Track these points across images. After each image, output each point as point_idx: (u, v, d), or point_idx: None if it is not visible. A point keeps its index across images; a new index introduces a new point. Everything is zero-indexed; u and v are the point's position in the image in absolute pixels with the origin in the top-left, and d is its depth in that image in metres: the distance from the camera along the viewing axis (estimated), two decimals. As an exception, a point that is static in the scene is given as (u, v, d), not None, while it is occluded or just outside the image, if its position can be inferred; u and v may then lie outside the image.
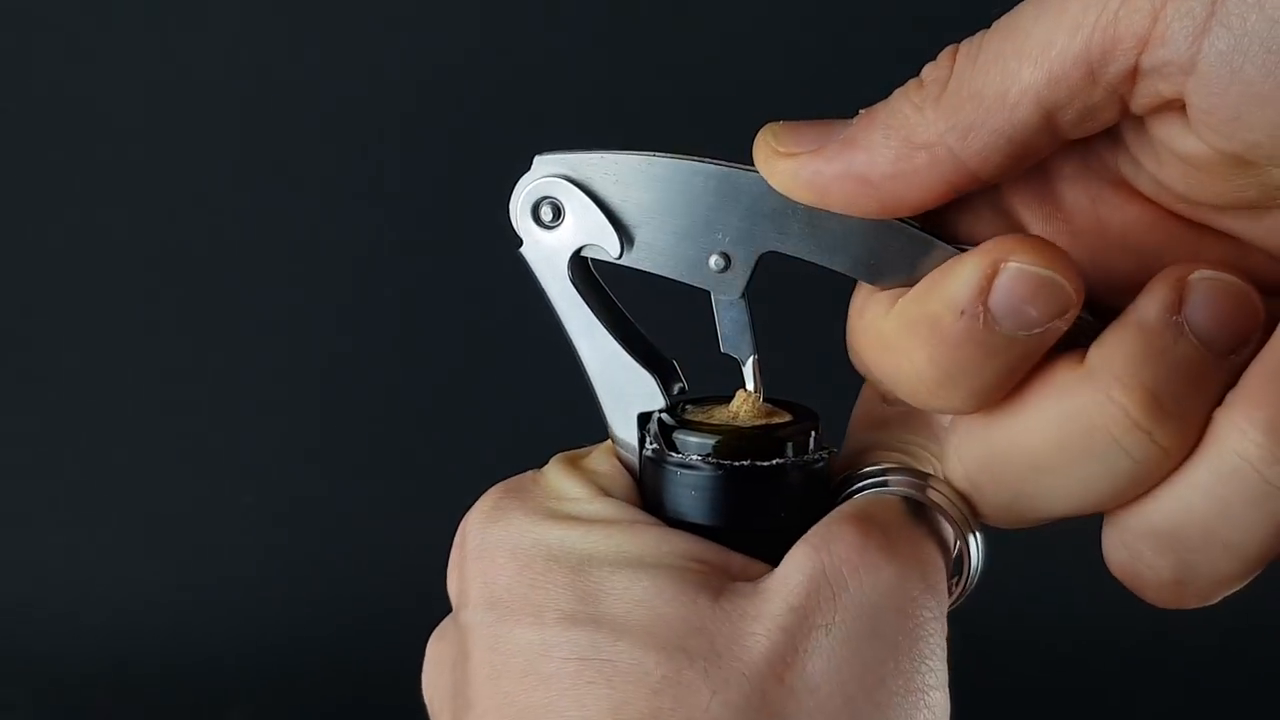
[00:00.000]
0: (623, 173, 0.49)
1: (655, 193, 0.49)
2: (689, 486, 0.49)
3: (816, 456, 0.49)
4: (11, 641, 1.27)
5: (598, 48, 1.27)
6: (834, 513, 0.48)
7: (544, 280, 0.50)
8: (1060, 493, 0.45)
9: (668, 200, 0.49)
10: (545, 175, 0.49)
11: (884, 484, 0.49)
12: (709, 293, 0.49)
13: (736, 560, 0.48)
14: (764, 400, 0.50)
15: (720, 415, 0.50)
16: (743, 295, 0.49)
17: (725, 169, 0.48)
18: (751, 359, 0.50)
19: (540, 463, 0.51)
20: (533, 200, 0.50)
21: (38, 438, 1.31)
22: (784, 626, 0.46)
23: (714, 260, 0.49)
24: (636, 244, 0.49)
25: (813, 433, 0.49)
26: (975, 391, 0.45)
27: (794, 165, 0.46)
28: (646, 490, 0.50)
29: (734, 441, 0.49)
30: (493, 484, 0.50)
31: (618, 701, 0.45)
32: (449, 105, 1.28)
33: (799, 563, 0.47)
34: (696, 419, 0.50)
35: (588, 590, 0.47)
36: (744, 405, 0.50)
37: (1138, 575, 0.46)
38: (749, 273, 0.49)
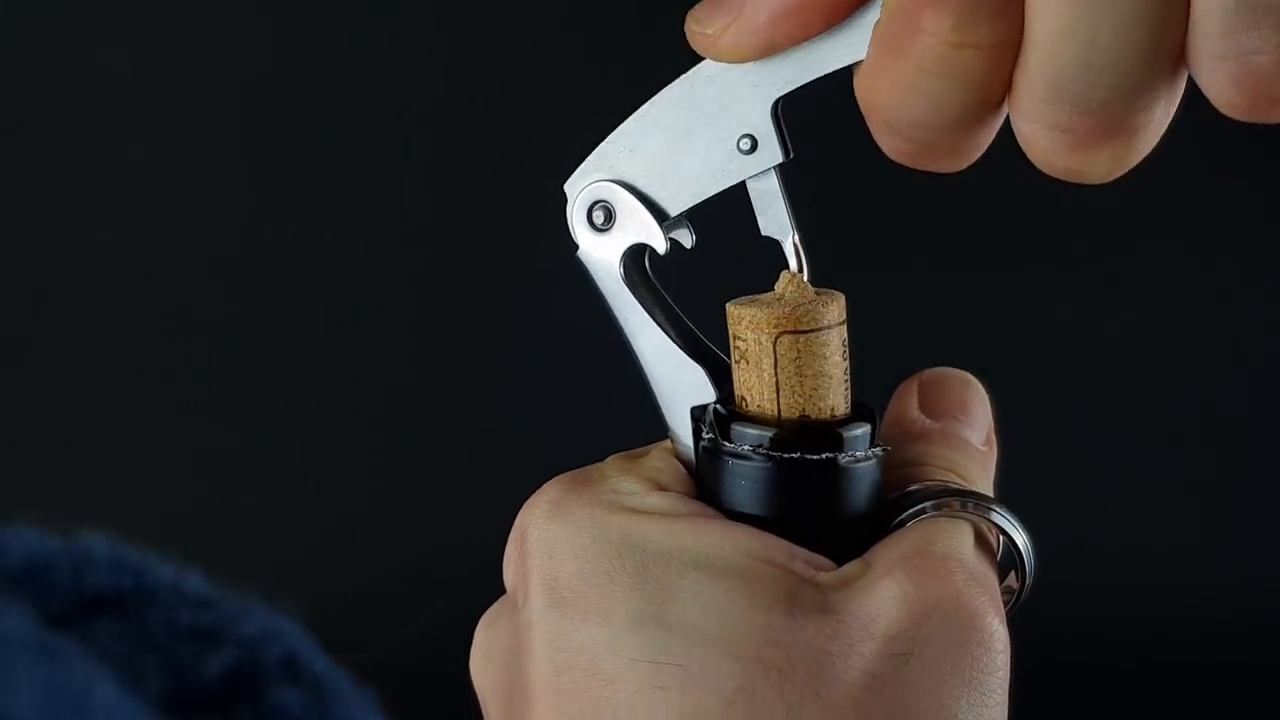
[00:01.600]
0: (630, 139, 0.50)
1: (662, 132, 0.49)
2: (741, 477, 0.49)
3: (868, 454, 0.49)
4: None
5: (603, 47, 1.26)
6: (913, 540, 0.48)
7: (600, 281, 0.51)
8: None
9: (676, 129, 0.49)
10: (594, 180, 0.50)
11: (945, 505, 0.49)
12: (745, 187, 0.49)
13: (800, 555, 0.47)
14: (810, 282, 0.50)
15: (766, 299, 0.50)
16: (784, 158, 0.49)
17: (704, 63, 0.48)
18: (792, 236, 0.50)
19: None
20: (586, 205, 0.51)
21: (37, 437, 1.32)
22: (863, 654, 0.45)
23: (742, 143, 0.49)
24: (674, 190, 0.50)
25: (869, 428, 0.49)
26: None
27: (732, 40, 0.47)
28: (702, 481, 0.50)
29: (788, 435, 0.48)
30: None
31: (690, 709, 0.45)
32: (456, 106, 1.28)
33: (882, 594, 0.46)
34: (740, 308, 0.49)
35: (655, 590, 0.46)
36: (789, 286, 0.50)
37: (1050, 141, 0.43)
38: (776, 132, 0.49)
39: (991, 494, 0.52)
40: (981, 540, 0.49)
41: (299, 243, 1.30)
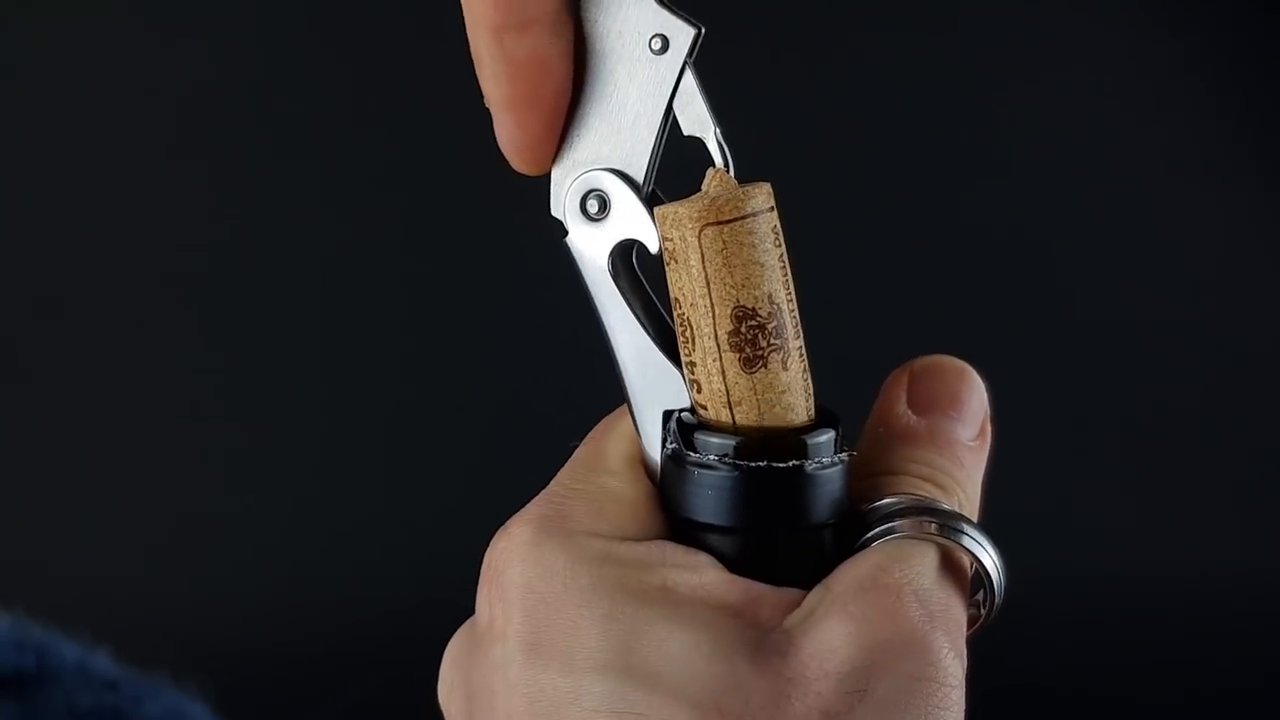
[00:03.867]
0: (569, 126, 0.49)
1: (586, 95, 0.49)
2: (706, 486, 0.48)
3: (835, 459, 0.48)
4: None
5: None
6: (871, 566, 0.47)
7: (585, 271, 0.50)
8: None
9: (594, 82, 0.49)
10: (593, 169, 0.49)
11: (921, 525, 0.48)
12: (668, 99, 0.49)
13: (769, 600, 0.47)
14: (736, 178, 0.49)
15: (693, 197, 0.49)
16: (696, 31, 0.48)
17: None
18: (714, 131, 0.49)
19: (546, 466, 0.51)
20: (580, 193, 0.50)
21: (38, 437, 1.30)
22: (819, 692, 0.45)
23: (653, 45, 0.48)
24: (634, 142, 0.49)
25: (834, 434, 0.49)
26: None
27: (515, 160, 0.49)
28: (665, 491, 0.49)
29: (752, 444, 0.48)
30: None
31: None
32: (456, 108, 1.28)
33: (835, 630, 0.46)
34: (665, 208, 0.48)
35: (620, 638, 0.46)
36: (713, 181, 0.49)
37: None
38: (673, 15, 0.48)
39: (978, 489, 0.51)
40: (949, 562, 0.48)
41: (287, 250, 1.29)
